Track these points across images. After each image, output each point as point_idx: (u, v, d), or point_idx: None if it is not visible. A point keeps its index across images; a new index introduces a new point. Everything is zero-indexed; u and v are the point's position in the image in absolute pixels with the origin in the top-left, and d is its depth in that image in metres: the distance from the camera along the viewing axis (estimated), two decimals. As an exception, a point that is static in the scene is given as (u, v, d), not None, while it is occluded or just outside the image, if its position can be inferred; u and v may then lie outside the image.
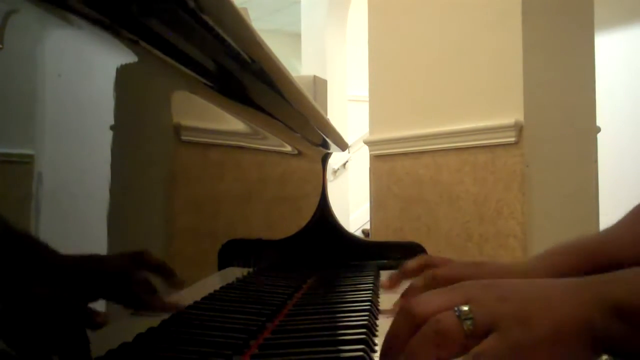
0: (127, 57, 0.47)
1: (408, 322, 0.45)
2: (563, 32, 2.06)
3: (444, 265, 0.75)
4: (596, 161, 2.16)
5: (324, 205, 1.30)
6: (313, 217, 1.24)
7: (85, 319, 0.39)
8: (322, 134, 1.16)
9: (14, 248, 0.33)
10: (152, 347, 0.47)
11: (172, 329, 0.52)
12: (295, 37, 5.83)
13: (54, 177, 0.37)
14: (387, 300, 0.86)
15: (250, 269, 0.81)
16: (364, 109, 2.54)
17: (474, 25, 2.03)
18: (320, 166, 1.35)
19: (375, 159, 2.36)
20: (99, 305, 0.41)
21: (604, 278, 0.46)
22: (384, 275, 1.12)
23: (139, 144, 0.50)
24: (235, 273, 0.73)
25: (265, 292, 0.87)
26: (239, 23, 0.59)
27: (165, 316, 0.51)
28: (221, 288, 0.66)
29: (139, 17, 0.45)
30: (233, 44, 0.59)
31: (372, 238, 2.40)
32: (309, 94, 1.03)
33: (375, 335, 0.65)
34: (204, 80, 0.63)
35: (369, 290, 0.90)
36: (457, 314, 0.44)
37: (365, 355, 0.55)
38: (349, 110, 5.12)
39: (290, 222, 1.09)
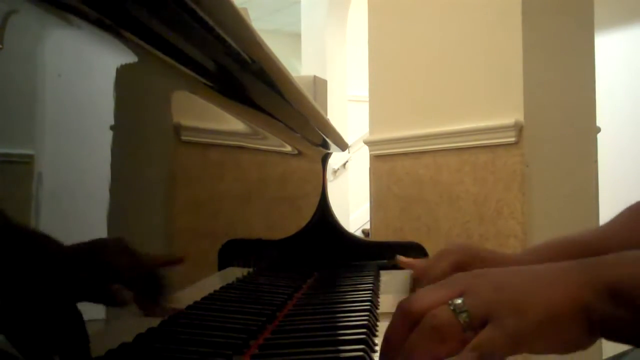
0: (127, 57, 0.47)
1: (405, 320, 0.45)
2: (563, 32, 2.06)
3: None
4: (596, 161, 2.16)
5: (324, 205, 1.30)
6: (313, 217, 1.24)
7: (86, 318, 0.39)
8: (322, 134, 1.16)
9: (14, 248, 0.33)
10: (152, 347, 0.47)
11: (172, 329, 0.52)
12: (295, 37, 5.83)
13: (54, 177, 0.37)
14: (387, 300, 0.86)
15: (250, 269, 0.81)
16: (364, 109, 2.54)
17: (474, 25, 2.03)
18: (320, 166, 1.35)
19: (375, 159, 2.36)
20: (100, 305, 0.41)
21: (597, 261, 0.46)
22: (384, 275, 1.12)
23: (139, 144, 0.50)
24: (235, 273, 0.73)
25: (265, 292, 0.87)
26: (239, 23, 0.59)
27: (165, 316, 0.51)
28: (221, 288, 0.66)
29: (139, 17, 0.45)
30: (233, 44, 0.59)
31: (372, 238, 2.39)
32: (309, 94, 1.03)
33: (375, 335, 0.65)
34: (204, 80, 0.63)
35: (369, 290, 0.90)
36: (451, 308, 0.44)
37: (365, 355, 0.55)
38: (349, 110, 5.12)
39: (290, 222, 1.09)
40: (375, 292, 0.90)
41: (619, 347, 0.54)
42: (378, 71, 2.40)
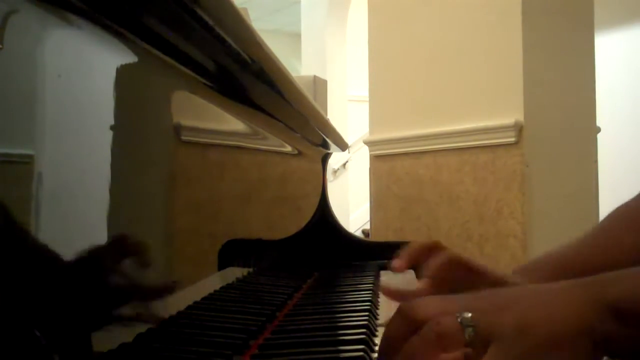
0: (127, 57, 0.47)
1: (407, 322, 0.45)
2: (563, 32, 2.06)
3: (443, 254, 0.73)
4: (596, 161, 2.16)
5: (324, 205, 1.30)
6: (313, 217, 1.24)
7: (88, 316, 0.39)
8: (322, 134, 1.16)
9: (14, 248, 0.33)
10: (152, 347, 0.47)
11: (172, 329, 0.52)
12: (295, 37, 5.83)
13: (54, 177, 0.37)
14: (387, 300, 0.86)
15: (250, 269, 0.81)
16: (364, 109, 2.54)
17: (474, 25, 2.03)
18: (320, 166, 1.35)
19: (375, 159, 2.36)
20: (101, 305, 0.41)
21: (598, 279, 0.46)
22: (384, 275, 1.12)
23: (139, 144, 0.50)
24: (235, 273, 0.73)
25: (265, 292, 0.87)
26: (239, 23, 0.59)
27: (165, 316, 0.51)
28: (221, 288, 0.66)
29: (139, 17, 0.45)
30: (233, 44, 0.59)
31: (372, 238, 2.40)
32: (309, 94, 1.03)
33: (375, 336, 0.65)
34: (204, 80, 0.63)
35: (369, 290, 0.90)
36: (459, 320, 0.43)
37: (365, 355, 0.55)
38: (349, 110, 5.12)
39: (290, 222, 1.09)
40: (375, 292, 0.90)
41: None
42: (378, 71, 2.40)
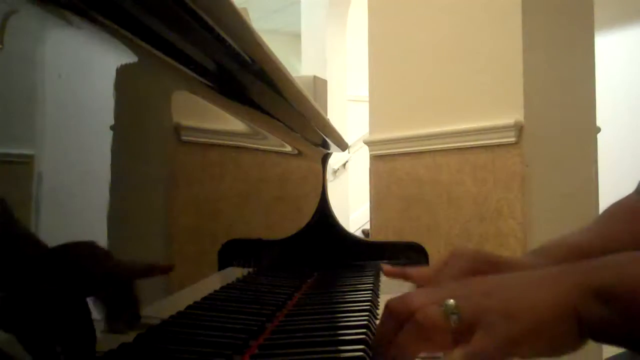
0: (127, 57, 0.47)
1: (394, 318, 0.46)
2: (563, 32, 2.06)
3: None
4: (596, 161, 2.16)
5: (324, 205, 1.30)
6: (313, 217, 1.24)
7: (90, 316, 0.39)
8: (322, 134, 1.16)
9: (13, 248, 0.33)
10: (152, 347, 0.47)
11: (172, 329, 0.52)
12: (295, 37, 5.83)
13: (54, 177, 0.37)
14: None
15: (250, 269, 0.81)
16: (364, 109, 2.54)
17: (474, 25, 2.03)
18: (320, 166, 1.35)
19: (375, 159, 2.36)
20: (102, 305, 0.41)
21: (584, 264, 0.46)
22: (384, 275, 1.12)
23: (139, 144, 0.50)
24: (235, 273, 0.73)
25: (265, 292, 0.87)
26: (239, 23, 0.59)
27: (165, 316, 0.51)
28: (221, 288, 0.66)
29: (139, 17, 0.45)
30: (233, 44, 0.59)
31: (372, 238, 2.39)
32: (309, 94, 1.03)
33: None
34: (204, 80, 0.63)
35: (369, 290, 0.90)
36: (443, 308, 0.44)
37: (365, 355, 0.55)
38: (349, 110, 5.12)
39: (290, 222, 1.09)
40: (375, 292, 0.90)
41: (619, 348, 0.54)
42: (378, 71, 2.40)
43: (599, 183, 2.17)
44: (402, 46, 2.29)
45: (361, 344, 0.58)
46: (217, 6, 0.53)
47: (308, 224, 1.20)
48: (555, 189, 1.99)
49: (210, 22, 0.52)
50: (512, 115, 1.91)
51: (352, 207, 5.09)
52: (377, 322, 0.71)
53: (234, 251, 0.72)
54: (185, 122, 0.60)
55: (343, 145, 1.39)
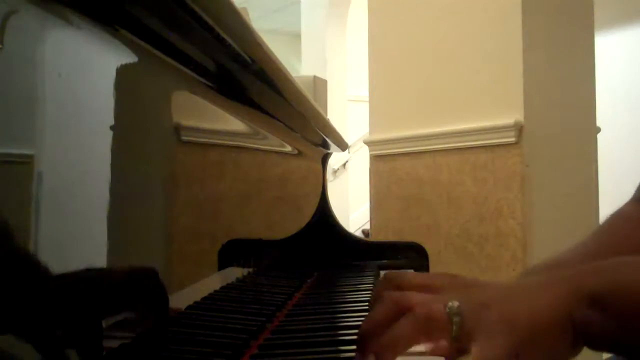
0: (127, 57, 0.47)
1: (393, 309, 0.45)
2: (563, 32, 2.06)
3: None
4: (596, 161, 2.16)
5: (324, 205, 1.30)
6: (313, 217, 1.24)
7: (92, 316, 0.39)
8: (322, 134, 1.16)
9: (13, 248, 0.33)
10: (152, 347, 0.47)
11: (172, 329, 0.52)
12: (295, 37, 5.83)
13: (54, 177, 0.37)
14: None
15: (250, 269, 0.81)
16: (364, 109, 2.54)
17: (474, 25, 2.03)
18: (320, 166, 1.35)
19: (375, 159, 2.36)
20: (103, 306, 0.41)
21: (577, 271, 0.46)
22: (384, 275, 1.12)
23: (139, 144, 0.50)
24: (235, 273, 0.73)
25: (265, 292, 0.87)
26: (239, 23, 0.59)
27: (165, 317, 0.51)
28: (221, 288, 0.66)
29: (139, 17, 0.45)
30: (233, 44, 0.59)
31: (372, 238, 2.40)
32: (309, 94, 1.03)
33: (375, 335, 0.65)
34: (204, 80, 0.63)
35: (369, 290, 0.90)
36: (447, 309, 0.44)
37: (365, 355, 0.55)
38: (349, 110, 5.12)
39: (290, 222, 1.09)
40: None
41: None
42: (378, 71, 2.40)
43: (599, 183, 2.17)
44: (402, 46, 2.29)
45: (361, 344, 0.58)
46: (217, 6, 0.53)
47: (308, 224, 1.20)
48: (555, 189, 1.99)
49: (210, 22, 0.52)
50: (512, 115, 1.91)
51: (352, 207, 5.09)
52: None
53: (234, 251, 0.72)
54: (185, 122, 0.60)
55: (343, 145, 1.39)
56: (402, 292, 0.47)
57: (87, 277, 0.40)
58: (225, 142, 0.74)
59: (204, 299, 0.61)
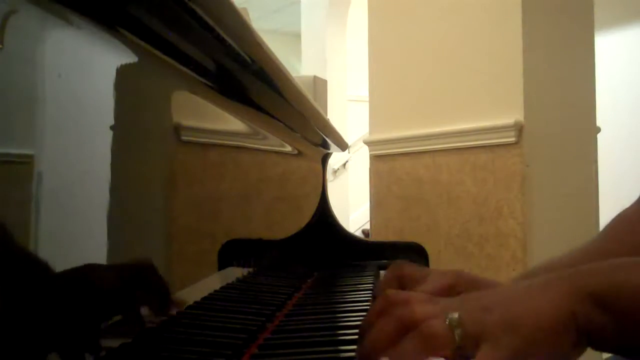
0: (127, 57, 0.47)
1: (396, 324, 0.45)
2: (563, 32, 2.06)
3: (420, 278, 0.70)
4: (596, 161, 2.16)
5: (323, 205, 1.30)
6: (313, 217, 1.24)
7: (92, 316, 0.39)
8: (322, 134, 1.16)
9: (13, 249, 0.33)
10: (152, 347, 0.47)
11: (172, 329, 0.52)
12: (295, 37, 5.83)
13: (54, 177, 0.37)
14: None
15: (250, 269, 0.81)
16: (364, 109, 2.54)
17: (474, 25, 2.03)
18: (320, 166, 1.35)
19: (375, 159, 2.36)
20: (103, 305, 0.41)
21: (579, 270, 0.46)
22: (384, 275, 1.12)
23: (139, 144, 0.50)
24: (235, 273, 0.73)
25: (265, 292, 0.87)
26: (239, 23, 0.59)
27: (165, 316, 0.51)
28: (221, 288, 0.66)
29: (139, 17, 0.45)
30: (233, 44, 0.59)
31: (372, 238, 2.39)
32: (309, 94, 1.03)
33: (375, 335, 0.65)
34: (204, 80, 0.63)
35: (369, 290, 0.90)
36: (447, 322, 0.44)
37: (365, 355, 0.55)
38: (349, 110, 5.12)
39: (290, 222, 1.09)
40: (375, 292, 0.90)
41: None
42: (378, 71, 2.40)
43: (599, 183, 2.17)
44: (402, 46, 2.29)
45: (361, 344, 0.58)
46: (217, 6, 0.53)
47: (308, 224, 1.20)
48: (555, 189, 1.99)
49: (210, 22, 0.52)
50: (512, 115, 1.91)
51: (352, 207, 5.09)
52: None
53: (234, 251, 0.72)
54: (185, 122, 0.60)
55: (343, 145, 1.39)
56: (405, 301, 0.47)
57: (87, 277, 0.40)
58: (225, 142, 0.74)
59: (204, 298, 0.61)
